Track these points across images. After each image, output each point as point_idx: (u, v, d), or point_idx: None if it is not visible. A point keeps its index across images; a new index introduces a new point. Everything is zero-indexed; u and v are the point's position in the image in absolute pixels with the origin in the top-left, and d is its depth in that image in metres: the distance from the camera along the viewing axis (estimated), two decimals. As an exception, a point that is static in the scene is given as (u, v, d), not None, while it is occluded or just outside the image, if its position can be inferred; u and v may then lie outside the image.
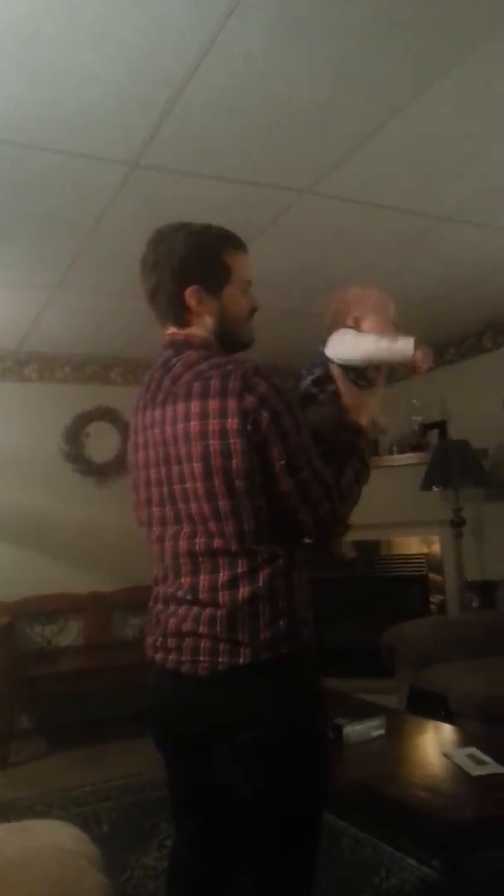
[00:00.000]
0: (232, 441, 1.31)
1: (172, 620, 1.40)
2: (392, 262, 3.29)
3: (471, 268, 3.44)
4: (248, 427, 1.30)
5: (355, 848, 2.56)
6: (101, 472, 4.69)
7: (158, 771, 1.64)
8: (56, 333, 4.20)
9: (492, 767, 2.07)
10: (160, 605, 1.46)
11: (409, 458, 4.63)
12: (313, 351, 1.63)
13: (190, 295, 1.44)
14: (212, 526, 1.35)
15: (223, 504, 1.33)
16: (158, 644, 1.43)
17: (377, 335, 1.55)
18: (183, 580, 1.40)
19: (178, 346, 1.45)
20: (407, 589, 4.75)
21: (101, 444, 4.71)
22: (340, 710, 2.61)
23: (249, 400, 1.31)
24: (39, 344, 4.41)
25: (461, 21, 1.78)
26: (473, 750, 2.19)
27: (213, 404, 1.32)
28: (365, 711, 2.57)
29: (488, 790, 1.98)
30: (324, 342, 1.61)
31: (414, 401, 4.83)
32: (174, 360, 1.44)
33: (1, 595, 4.28)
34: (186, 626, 1.37)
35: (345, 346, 1.56)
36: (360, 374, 1.58)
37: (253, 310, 1.52)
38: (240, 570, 1.34)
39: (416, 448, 4.69)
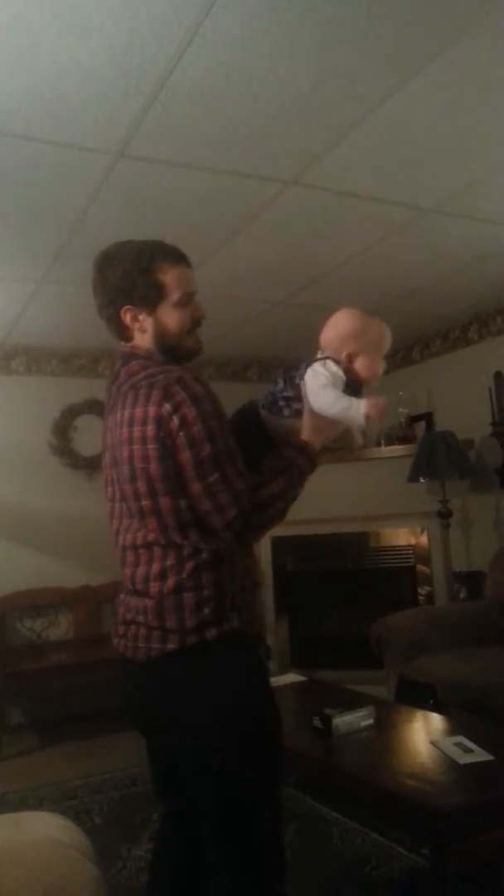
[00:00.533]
0: (150, 447, 1.41)
1: (121, 609, 1.54)
2: (377, 252, 3.29)
3: (455, 258, 3.45)
4: (161, 433, 1.40)
5: (345, 838, 2.58)
6: (90, 466, 4.67)
7: (148, 764, 1.66)
8: (43, 326, 4.18)
9: (479, 755, 2.08)
10: (121, 594, 1.57)
11: (396, 449, 4.64)
12: (297, 360, 1.64)
13: (124, 315, 1.54)
14: (142, 522, 1.46)
15: (146, 504, 1.44)
16: (116, 631, 1.55)
17: (335, 398, 1.53)
18: (127, 571, 1.52)
19: (126, 358, 1.56)
20: (395, 580, 4.77)
21: (90, 437, 4.68)
22: (330, 700, 2.62)
23: (165, 408, 1.40)
24: (26, 337, 4.38)
25: (442, 12, 1.79)
26: (461, 738, 2.21)
27: (138, 412, 1.43)
28: (354, 702, 2.58)
29: (476, 778, 1.99)
30: (308, 363, 1.60)
31: (400, 393, 4.85)
32: (121, 370, 1.55)
33: (-11, 590, 4.26)
34: (129, 615, 1.50)
35: (309, 390, 1.56)
36: None
37: (197, 320, 1.58)
38: (168, 562, 1.44)
39: (402, 440, 4.70)
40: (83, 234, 2.89)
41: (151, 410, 1.41)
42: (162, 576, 1.44)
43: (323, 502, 4.63)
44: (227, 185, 2.57)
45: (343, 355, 1.59)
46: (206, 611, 1.41)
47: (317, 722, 2.40)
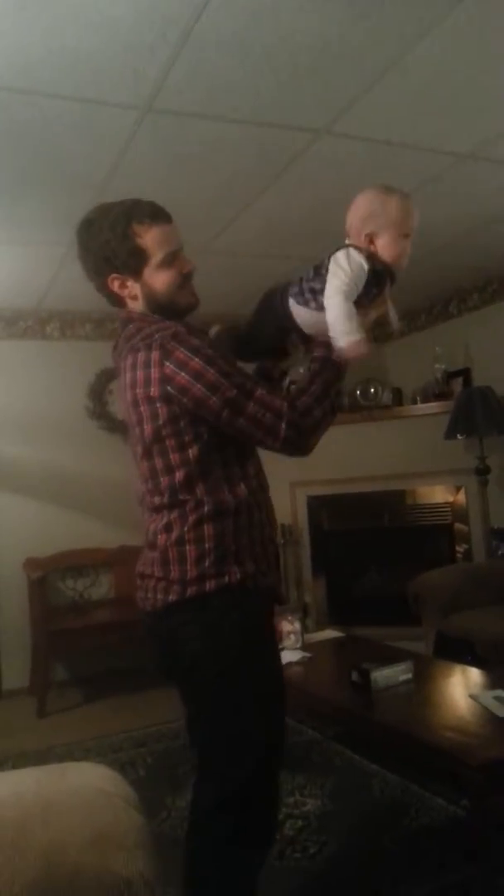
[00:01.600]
0: (157, 405, 1.44)
1: (139, 562, 1.59)
2: (414, 203, 3.19)
3: (494, 207, 3.34)
4: (169, 390, 1.42)
5: (384, 789, 2.61)
6: (126, 429, 4.70)
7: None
8: (75, 290, 4.16)
9: (519, 709, 2.08)
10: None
11: (433, 407, 4.58)
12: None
13: (112, 283, 1.55)
14: (155, 482, 1.51)
15: (157, 462, 1.48)
16: (136, 584, 1.60)
17: (339, 312, 1.46)
18: (145, 525, 1.58)
19: (123, 323, 1.58)
20: (433, 538, 4.75)
21: (124, 400, 4.72)
22: (368, 655, 2.64)
23: (167, 367, 1.42)
24: (59, 302, 4.39)
25: None
26: (500, 692, 2.21)
27: (139, 375, 1.46)
28: (392, 657, 2.60)
29: (516, 731, 2.00)
30: (331, 253, 1.53)
31: (437, 348, 4.76)
32: (121, 336, 1.57)
33: (33, 551, 4.36)
34: (141, 567, 1.57)
35: (327, 286, 1.49)
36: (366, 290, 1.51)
37: (187, 275, 1.56)
38: (173, 515, 1.48)
39: (439, 397, 4.63)
40: (112, 194, 2.82)
41: (154, 372, 1.43)
42: (167, 528, 1.48)
43: (359, 461, 4.61)
44: (257, 136, 2.51)
45: (363, 238, 1.52)
46: (207, 563, 1.45)
47: (355, 676, 2.42)
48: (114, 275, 1.53)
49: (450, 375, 4.73)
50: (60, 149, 2.50)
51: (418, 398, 4.81)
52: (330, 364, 1.50)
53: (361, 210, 1.55)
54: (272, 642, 1.59)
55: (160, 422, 1.45)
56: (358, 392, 4.94)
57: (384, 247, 1.52)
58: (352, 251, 1.50)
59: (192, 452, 1.46)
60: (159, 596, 1.49)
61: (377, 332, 1.66)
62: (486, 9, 1.93)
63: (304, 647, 3.00)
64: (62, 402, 4.59)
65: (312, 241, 3.59)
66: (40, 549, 4.38)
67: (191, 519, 1.46)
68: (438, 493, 4.69)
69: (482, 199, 3.24)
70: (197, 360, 1.41)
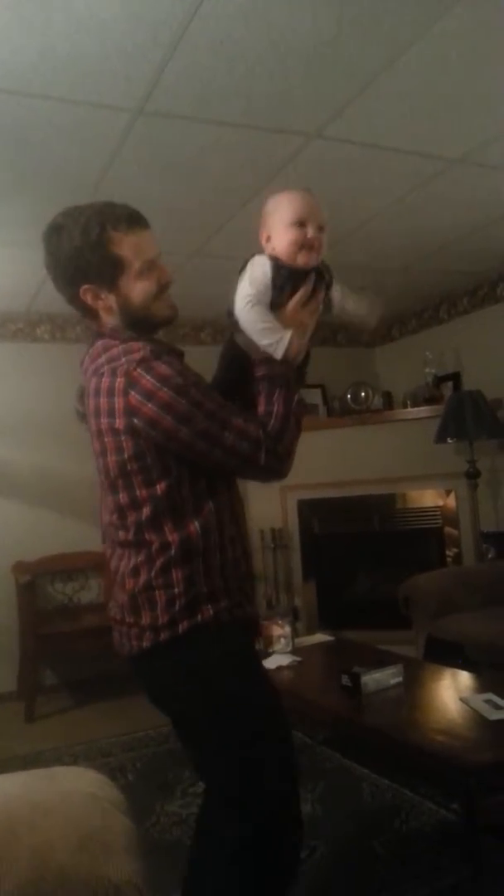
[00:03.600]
0: (122, 438, 1.36)
1: (111, 602, 1.53)
2: (402, 208, 3.21)
3: (484, 212, 3.36)
4: (136, 422, 1.33)
5: (375, 793, 2.61)
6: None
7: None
8: (65, 293, 4.16)
9: (509, 712, 2.08)
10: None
11: (423, 411, 4.59)
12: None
13: (84, 295, 1.43)
14: (120, 516, 1.43)
15: (122, 497, 1.41)
16: (112, 626, 1.54)
17: (256, 317, 1.41)
18: (112, 563, 1.50)
19: (92, 338, 1.49)
20: (422, 542, 4.75)
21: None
22: (358, 659, 2.64)
23: (133, 396, 1.32)
24: (50, 304, 4.36)
25: None
26: (491, 695, 2.21)
27: (103, 402, 1.37)
28: (383, 660, 2.59)
29: (506, 734, 2.00)
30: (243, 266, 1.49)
31: (427, 353, 4.77)
32: (88, 352, 1.48)
33: (21, 555, 4.33)
34: (112, 612, 1.50)
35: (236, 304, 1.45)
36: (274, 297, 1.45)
37: (164, 286, 1.47)
38: (140, 558, 1.41)
39: (429, 401, 4.65)
40: (103, 196, 2.82)
41: (119, 402, 1.34)
42: (134, 572, 1.41)
43: (349, 464, 4.62)
44: (249, 139, 2.51)
45: (264, 243, 1.48)
46: (177, 607, 1.38)
47: (345, 680, 2.42)
48: (86, 286, 1.42)
49: (440, 379, 4.75)
50: (51, 150, 2.50)
51: (409, 402, 4.83)
52: (277, 377, 1.42)
53: (265, 208, 1.51)
54: (258, 667, 1.53)
55: (125, 455, 1.37)
56: (349, 396, 4.94)
57: (277, 243, 1.46)
58: (255, 258, 1.47)
59: (159, 487, 1.37)
60: (133, 642, 1.43)
61: (371, 338, 1.62)
62: (478, 13, 1.94)
63: (295, 651, 3.00)
64: (52, 404, 4.55)
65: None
66: (29, 552, 4.35)
67: (158, 563, 1.38)
68: (429, 497, 4.69)
69: (473, 204, 3.26)
70: (165, 389, 1.31)
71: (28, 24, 1.85)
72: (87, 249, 1.39)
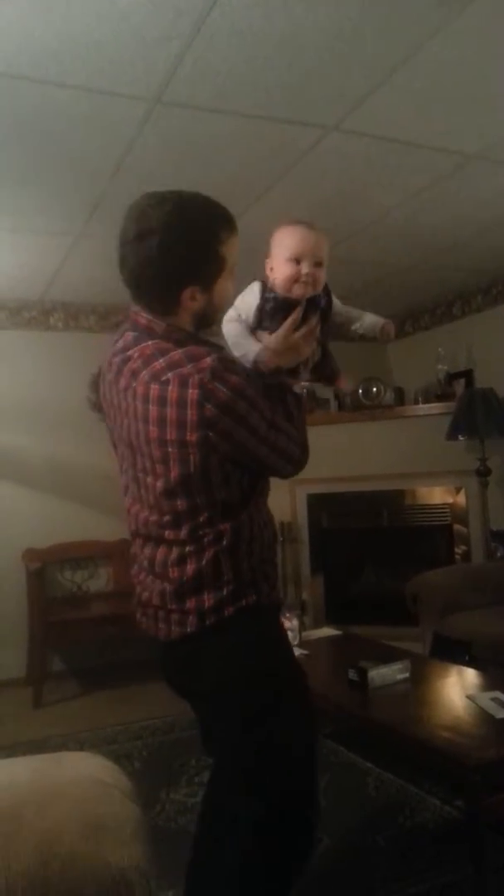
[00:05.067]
0: (191, 451, 1.35)
1: (139, 588, 1.54)
2: (418, 203, 3.19)
3: (500, 209, 3.33)
4: (212, 436, 1.33)
5: (379, 788, 2.62)
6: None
7: (186, 712, 1.70)
8: (80, 282, 4.17)
9: (516, 710, 2.08)
10: (135, 567, 1.57)
11: (434, 407, 4.58)
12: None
13: (187, 295, 1.41)
14: (167, 518, 1.43)
15: (180, 503, 1.40)
16: (138, 613, 1.56)
17: (233, 334, 1.55)
18: (145, 551, 1.50)
19: (139, 332, 1.43)
20: (431, 539, 4.74)
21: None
22: (365, 654, 2.64)
23: (210, 410, 1.32)
24: (64, 293, 4.39)
25: None
26: (497, 694, 2.21)
27: (171, 413, 1.33)
28: (389, 655, 2.59)
29: (512, 732, 1.99)
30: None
31: (440, 349, 4.75)
32: (133, 349, 1.41)
33: (32, 542, 4.36)
34: (146, 595, 1.50)
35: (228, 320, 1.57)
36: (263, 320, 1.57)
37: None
38: (188, 549, 1.42)
39: (441, 397, 4.63)
40: (120, 186, 2.85)
41: (192, 414, 1.32)
42: (181, 560, 1.42)
43: (359, 459, 4.61)
44: (266, 131, 2.50)
45: (269, 270, 1.59)
46: (224, 592, 1.41)
47: (352, 674, 2.42)
48: (193, 287, 1.40)
49: (452, 376, 4.73)
50: (68, 139, 2.50)
51: (420, 398, 4.81)
52: (270, 388, 1.50)
53: (272, 239, 1.62)
54: (289, 647, 1.58)
55: (191, 469, 1.36)
56: (360, 391, 4.93)
57: (276, 275, 1.57)
58: (253, 283, 1.58)
59: (219, 494, 1.40)
60: (174, 627, 1.44)
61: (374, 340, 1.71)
62: (497, 10, 1.92)
63: (302, 645, 3.00)
64: (64, 393, 4.57)
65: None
66: (39, 540, 4.38)
67: (207, 554, 1.40)
68: (438, 494, 4.68)
69: (489, 201, 3.23)
70: (241, 402, 1.33)
71: (46, 11, 1.84)
72: (203, 247, 1.40)
